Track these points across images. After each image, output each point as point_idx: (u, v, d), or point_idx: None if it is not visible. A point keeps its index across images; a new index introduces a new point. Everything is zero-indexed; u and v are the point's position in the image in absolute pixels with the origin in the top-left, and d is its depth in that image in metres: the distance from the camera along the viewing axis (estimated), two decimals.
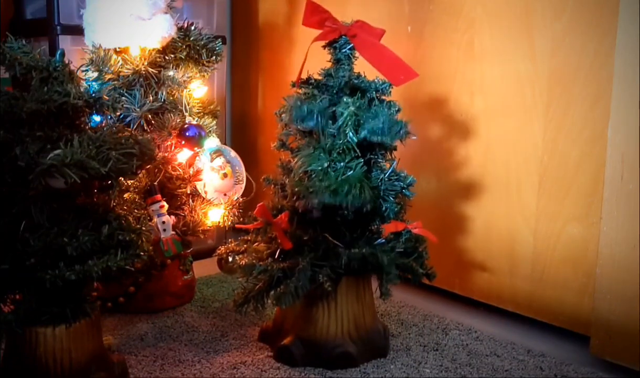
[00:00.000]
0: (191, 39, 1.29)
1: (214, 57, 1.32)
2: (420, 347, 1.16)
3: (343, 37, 1.09)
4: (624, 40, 1.03)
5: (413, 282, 1.11)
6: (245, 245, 1.15)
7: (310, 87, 1.11)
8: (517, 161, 1.26)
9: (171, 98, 1.28)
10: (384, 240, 1.07)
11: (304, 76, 1.12)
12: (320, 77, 1.11)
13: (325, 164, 1.01)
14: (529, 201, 1.25)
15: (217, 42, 1.33)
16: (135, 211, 1.14)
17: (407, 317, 1.30)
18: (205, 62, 1.32)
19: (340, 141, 1.02)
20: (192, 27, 1.31)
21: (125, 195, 1.18)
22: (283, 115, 1.10)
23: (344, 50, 1.09)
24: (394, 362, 1.10)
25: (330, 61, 1.11)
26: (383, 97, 1.10)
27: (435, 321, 1.29)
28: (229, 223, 1.32)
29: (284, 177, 1.14)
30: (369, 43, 1.09)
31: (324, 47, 1.11)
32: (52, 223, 0.86)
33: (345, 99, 1.05)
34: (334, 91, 1.08)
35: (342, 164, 1.02)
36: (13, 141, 0.83)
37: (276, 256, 1.07)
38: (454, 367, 1.09)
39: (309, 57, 1.10)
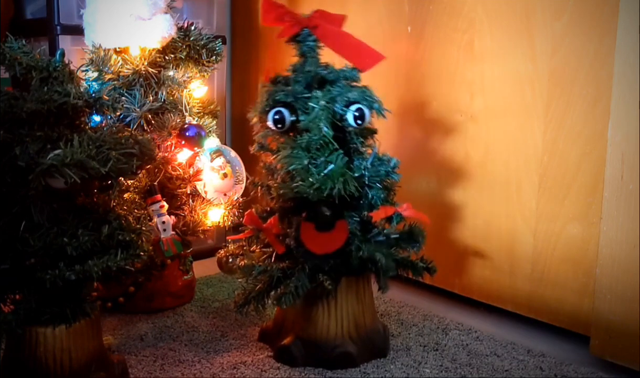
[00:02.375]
0: (191, 39, 1.29)
1: (214, 57, 1.32)
2: (420, 347, 1.16)
3: (305, 29, 1.07)
4: (624, 40, 1.03)
5: (414, 276, 1.11)
6: (244, 249, 1.15)
7: (280, 84, 1.09)
8: (517, 161, 1.26)
9: (171, 98, 1.28)
10: (377, 230, 1.06)
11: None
12: (288, 73, 1.09)
13: (305, 162, 0.99)
14: (529, 201, 1.25)
15: (217, 42, 1.33)
16: (135, 211, 1.14)
17: (407, 317, 1.30)
18: (205, 62, 1.32)
19: (317, 137, 1.00)
20: (192, 27, 1.31)
21: (125, 195, 1.17)
22: (255, 111, 1.08)
23: (307, 43, 1.08)
24: (394, 362, 1.10)
25: (295, 56, 1.09)
26: (354, 84, 1.09)
27: (435, 321, 1.29)
28: (229, 223, 1.32)
29: (268, 179, 1.14)
30: (332, 32, 1.07)
31: (287, 42, 1.10)
32: (52, 223, 0.86)
33: (314, 93, 1.03)
34: (303, 86, 1.06)
35: (322, 159, 1.00)
36: (13, 141, 0.83)
37: (273, 260, 1.07)
38: (454, 367, 1.09)
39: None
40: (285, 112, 1.03)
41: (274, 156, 1.09)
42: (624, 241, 1.05)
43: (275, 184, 1.07)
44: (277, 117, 1.03)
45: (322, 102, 1.01)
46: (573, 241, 1.19)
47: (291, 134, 1.05)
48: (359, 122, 1.03)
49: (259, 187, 1.16)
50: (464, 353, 1.15)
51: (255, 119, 1.09)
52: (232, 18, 1.89)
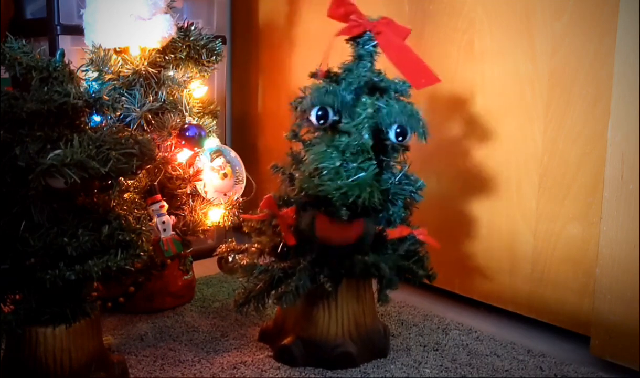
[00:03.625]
0: (191, 39, 1.29)
1: (214, 57, 1.32)
2: (420, 347, 1.16)
3: (367, 33, 1.05)
4: (624, 40, 1.03)
5: (413, 283, 1.11)
6: (246, 245, 1.15)
7: (329, 80, 1.07)
8: (517, 161, 1.26)
9: (171, 98, 1.28)
10: (389, 246, 1.06)
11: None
12: (339, 71, 1.08)
13: (338, 163, 0.97)
14: (529, 201, 1.25)
15: (217, 42, 1.33)
16: (135, 211, 1.14)
17: (407, 317, 1.30)
18: (205, 62, 1.32)
19: (356, 142, 0.99)
20: (192, 27, 1.31)
21: (125, 195, 1.17)
22: (301, 102, 1.06)
23: (367, 47, 1.06)
24: (394, 362, 1.10)
25: (351, 56, 1.08)
26: (401, 98, 1.08)
27: (435, 321, 1.29)
28: (229, 223, 1.32)
29: (292, 167, 1.11)
30: (394, 42, 1.05)
31: (347, 41, 1.08)
32: (52, 223, 0.86)
33: (363, 99, 1.02)
34: (353, 88, 1.04)
35: (354, 164, 0.98)
36: (13, 141, 0.83)
37: (278, 250, 1.06)
38: (454, 367, 1.09)
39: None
40: (330, 110, 1.02)
41: (305, 148, 1.08)
42: (624, 241, 1.05)
43: (300, 177, 1.05)
44: (320, 113, 1.02)
45: (370, 110, 0.99)
46: (573, 241, 1.19)
47: (329, 132, 1.04)
48: (400, 139, 1.02)
49: (281, 173, 1.14)
50: (464, 353, 1.15)
51: (297, 108, 1.07)
52: (232, 18, 1.89)
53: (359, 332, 1.09)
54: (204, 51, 1.30)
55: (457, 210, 1.37)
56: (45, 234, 0.85)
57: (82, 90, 0.89)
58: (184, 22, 1.31)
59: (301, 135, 1.11)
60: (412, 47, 1.05)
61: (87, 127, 0.92)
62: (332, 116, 1.02)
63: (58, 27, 1.41)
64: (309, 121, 1.04)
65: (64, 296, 0.89)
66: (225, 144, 1.48)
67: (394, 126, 1.01)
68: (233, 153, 1.36)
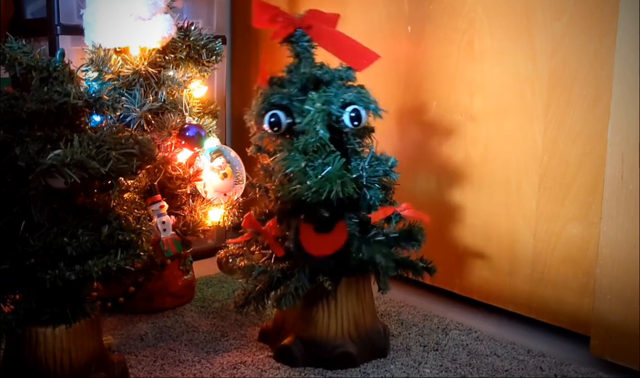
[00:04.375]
0: (191, 39, 1.29)
1: (214, 57, 1.32)
2: (420, 347, 1.16)
3: (298, 30, 1.06)
4: (624, 40, 1.03)
5: (414, 276, 1.11)
6: (244, 249, 1.15)
7: (275, 86, 1.08)
8: (517, 161, 1.26)
9: (171, 98, 1.28)
10: (376, 230, 1.06)
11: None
12: (283, 75, 1.09)
13: (303, 164, 0.99)
14: (529, 201, 1.25)
15: (217, 42, 1.33)
16: (135, 211, 1.14)
17: (407, 317, 1.30)
18: (205, 62, 1.32)
19: (313, 139, 1.00)
20: (192, 27, 1.31)
21: (125, 195, 1.17)
22: (251, 113, 1.07)
23: (301, 43, 1.07)
24: (394, 362, 1.10)
25: (289, 57, 1.09)
26: (350, 84, 1.08)
27: (435, 321, 1.29)
28: (229, 223, 1.32)
29: (266, 181, 1.13)
30: (326, 32, 1.07)
31: (281, 43, 1.09)
32: (52, 223, 0.86)
33: (310, 95, 1.02)
34: (298, 86, 1.05)
35: (319, 161, 0.99)
36: (13, 141, 0.83)
37: (272, 261, 1.07)
38: (454, 367, 1.09)
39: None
40: (281, 115, 1.03)
41: (271, 159, 1.09)
42: (624, 241, 1.05)
43: (273, 187, 1.07)
44: (273, 120, 1.03)
45: (318, 105, 1.00)
46: (573, 241, 1.19)
47: (287, 136, 1.05)
48: (356, 123, 1.03)
49: (257, 189, 1.16)
50: (464, 353, 1.15)
51: (251, 122, 1.09)
52: (232, 18, 1.89)
53: (358, 332, 1.09)
54: (204, 50, 1.31)
55: (457, 210, 1.37)
56: (45, 234, 0.85)
57: (82, 90, 0.89)
58: (184, 22, 1.31)
59: (265, 147, 1.12)
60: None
61: (87, 127, 0.92)
62: (284, 120, 1.03)
63: (58, 27, 1.41)
64: (266, 131, 1.05)
65: (64, 296, 0.89)
66: (225, 144, 1.48)
67: (347, 112, 1.02)
68: (233, 153, 1.36)
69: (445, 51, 1.36)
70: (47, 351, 0.88)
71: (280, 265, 1.05)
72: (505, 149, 1.28)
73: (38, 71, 0.87)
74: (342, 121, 1.03)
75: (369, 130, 1.10)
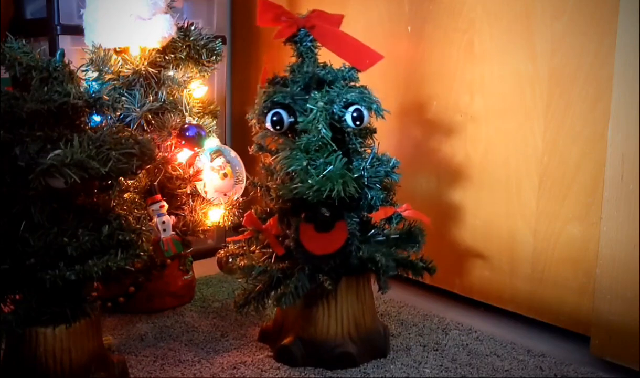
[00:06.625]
0: (191, 39, 1.29)
1: (214, 57, 1.32)
2: (420, 347, 1.16)
3: (301, 30, 1.07)
4: (624, 40, 1.03)
5: (414, 276, 1.11)
6: (244, 249, 1.15)
7: (277, 85, 1.08)
8: (517, 161, 1.26)
9: (171, 98, 1.28)
10: (377, 230, 1.06)
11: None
12: (286, 74, 1.09)
13: (304, 163, 0.99)
14: (529, 201, 1.25)
15: (217, 42, 1.33)
16: (135, 211, 1.14)
17: (407, 317, 1.30)
18: (205, 62, 1.32)
19: (315, 138, 1.00)
20: (192, 27, 1.31)
21: (125, 195, 1.18)
22: (254, 112, 1.07)
23: (304, 43, 1.07)
24: (394, 362, 1.10)
25: (293, 56, 1.09)
26: (352, 84, 1.08)
27: (435, 321, 1.29)
28: (229, 223, 1.32)
29: (267, 179, 1.13)
30: (329, 32, 1.07)
31: (285, 43, 1.09)
32: (52, 223, 0.86)
33: (312, 94, 1.03)
34: (301, 86, 1.06)
35: (321, 160, 1.00)
36: (13, 141, 0.83)
37: (272, 260, 1.07)
38: (454, 367, 1.09)
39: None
40: (284, 113, 1.03)
41: (273, 157, 1.09)
42: (624, 241, 1.05)
43: (274, 186, 1.07)
44: (275, 118, 1.03)
45: (321, 104, 1.00)
46: (573, 241, 1.19)
47: (290, 135, 1.05)
48: (358, 123, 1.03)
49: (259, 188, 1.16)
50: (464, 353, 1.15)
51: (253, 120, 1.09)
52: (232, 18, 1.89)
53: (358, 332, 1.09)
54: (204, 50, 1.31)
55: (457, 210, 1.37)
56: (45, 234, 0.85)
57: (82, 90, 0.89)
58: (184, 22, 1.31)
59: (267, 146, 1.12)
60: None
61: (87, 127, 0.92)
62: (287, 119, 1.03)
63: (58, 27, 1.41)
64: (268, 129, 1.05)
65: (64, 296, 0.89)
66: (225, 144, 1.48)
67: (349, 112, 1.02)
68: (233, 153, 1.36)
69: (445, 51, 1.36)
70: (47, 351, 0.88)
71: (280, 264, 1.05)
72: (505, 149, 1.28)
73: (38, 71, 0.87)
74: (345, 120, 1.03)
75: (371, 130, 1.11)
